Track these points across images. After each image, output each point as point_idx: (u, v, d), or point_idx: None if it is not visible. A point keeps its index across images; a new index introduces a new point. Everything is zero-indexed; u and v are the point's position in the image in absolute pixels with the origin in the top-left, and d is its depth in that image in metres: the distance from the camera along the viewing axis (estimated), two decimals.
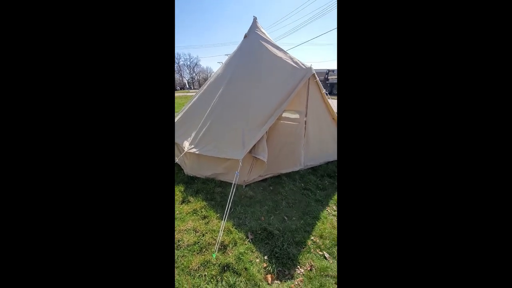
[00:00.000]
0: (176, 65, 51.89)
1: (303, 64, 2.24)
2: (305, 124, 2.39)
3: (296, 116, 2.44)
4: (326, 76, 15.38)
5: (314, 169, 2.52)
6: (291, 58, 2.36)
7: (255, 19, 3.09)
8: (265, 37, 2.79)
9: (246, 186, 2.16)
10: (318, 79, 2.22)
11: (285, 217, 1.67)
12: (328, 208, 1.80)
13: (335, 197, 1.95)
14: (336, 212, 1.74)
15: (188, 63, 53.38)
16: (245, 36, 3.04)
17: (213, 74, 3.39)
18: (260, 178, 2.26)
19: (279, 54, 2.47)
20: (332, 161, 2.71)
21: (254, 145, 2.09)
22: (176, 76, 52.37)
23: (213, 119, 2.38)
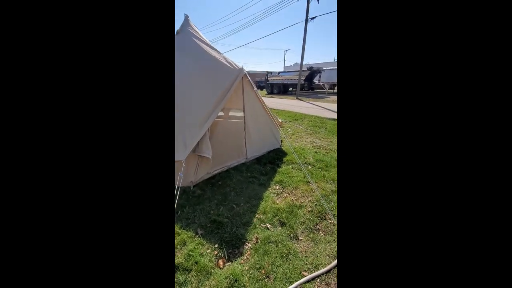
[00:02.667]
0: None
1: (236, 65, 2.44)
2: (244, 119, 2.62)
3: (236, 113, 2.63)
4: (266, 77, 17.11)
5: (258, 159, 2.82)
6: (225, 58, 2.50)
7: (186, 16, 3.00)
8: (198, 36, 2.77)
9: (194, 186, 2.11)
10: (249, 78, 2.49)
11: (234, 205, 1.81)
12: (270, 188, 2.10)
13: (275, 178, 2.30)
14: (275, 190, 2.07)
15: None
16: (177, 33, 2.88)
17: None
18: (209, 175, 2.27)
19: (213, 53, 2.54)
20: (272, 150, 3.14)
21: (198, 144, 2.07)
22: None
23: None
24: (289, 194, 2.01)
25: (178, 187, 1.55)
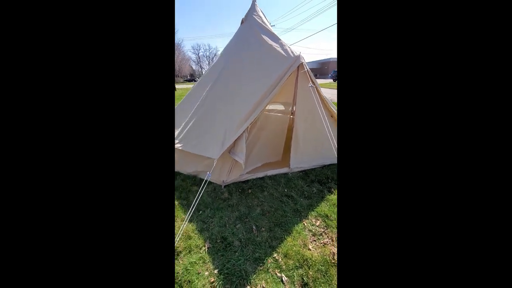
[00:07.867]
0: (196, 56, 53.01)
1: (292, 52, 1.92)
2: (294, 120, 2.10)
3: (284, 112, 2.17)
4: None
5: (305, 173, 2.25)
6: (282, 45, 2.05)
7: (253, 1, 2.78)
8: (260, 22, 2.48)
9: (225, 186, 2.05)
10: (307, 69, 1.88)
11: (254, 227, 1.52)
12: (306, 221, 1.57)
13: (319, 208, 1.70)
14: (313, 227, 1.51)
15: (208, 53, 53.91)
16: (242, 22, 2.77)
17: (211, 65, 3.25)
18: (242, 179, 2.12)
19: (270, 41, 2.17)
20: (328, 165, 2.39)
21: (234, 143, 1.93)
22: (197, 67, 53.83)
23: (200, 114, 2.27)
24: (331, 241, 1.38)
25: (204, 185, 1.50)
